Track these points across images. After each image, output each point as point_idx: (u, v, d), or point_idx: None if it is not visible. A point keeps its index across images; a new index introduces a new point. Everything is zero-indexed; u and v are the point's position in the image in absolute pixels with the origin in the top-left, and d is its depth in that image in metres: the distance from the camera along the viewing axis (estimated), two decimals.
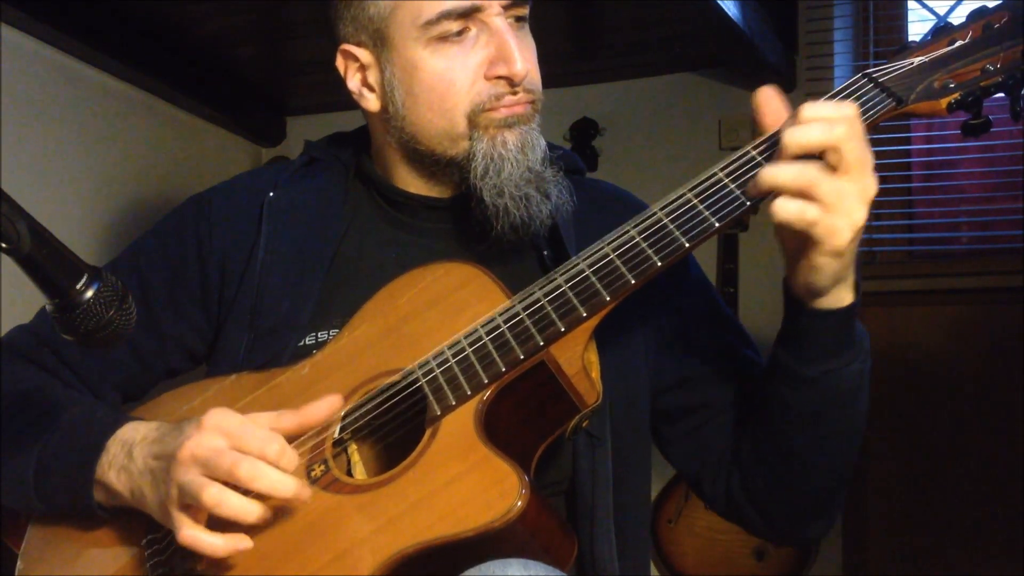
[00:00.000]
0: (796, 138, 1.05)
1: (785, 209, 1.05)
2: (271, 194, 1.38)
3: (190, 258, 1.38)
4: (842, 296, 1.14)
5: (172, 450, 1.10)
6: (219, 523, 1.09)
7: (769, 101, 1.13)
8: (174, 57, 3.27)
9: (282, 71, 3.55)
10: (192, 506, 1.09)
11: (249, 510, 1.08)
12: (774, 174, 1.05)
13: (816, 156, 1.05)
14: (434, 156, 1.31)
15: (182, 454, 1.09)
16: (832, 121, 1.04)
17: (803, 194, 1.04)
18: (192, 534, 1.08)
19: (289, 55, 3.40)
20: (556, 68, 3.39)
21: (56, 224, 1.01)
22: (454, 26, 1.25)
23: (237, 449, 1.08)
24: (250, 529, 1.10)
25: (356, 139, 1.45)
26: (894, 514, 3.09)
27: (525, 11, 1.30)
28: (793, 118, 1.08)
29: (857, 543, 3.11)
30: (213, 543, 1.09)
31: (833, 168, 1.04)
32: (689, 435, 1.34)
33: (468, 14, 1.25)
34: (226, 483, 1.07)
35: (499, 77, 1.26)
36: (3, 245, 0.90)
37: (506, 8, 1.27)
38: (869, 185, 1.05)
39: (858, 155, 1.04)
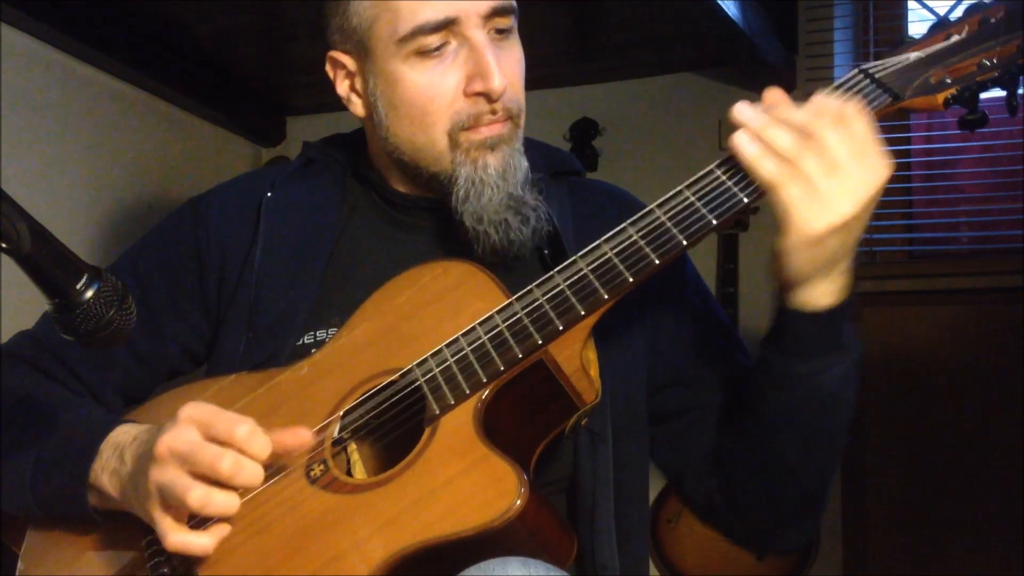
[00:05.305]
0: (795, 116, 1.06)
1: (760, 163, 1.06)
2: (269, 194, 1.38)
3: (188, 260, 1.38)
4: (819, 295, 1.11)
5: (150, 448, 1.10)
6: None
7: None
8: (174, 57, 3.27)
9: (282, 71, 3.55)
10: (173, 506, 1.09)
11: (231, 504, 1.08)
12: (772, 133, 1.06)
13: None
14: (417, 169, 1.31)
15: (159, 449, 1.08)
16: (833, 114, 1.05)
17: (789, 162, 1.04)
18: (182, 539, 1.08)
19: (289, 55, 3.40)
20: (556, 68, 3.40)
21: (56, 224, 1.01)
22: (431, 40, 1.24)
23: (209, 438, 1.08)
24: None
25: (354, 140, 1.45)
26: (894, 514, 3.09)
27: (508, 22, 1.27)
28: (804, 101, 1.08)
29: (857, 543, 3.11)
30: (203, 543, 1.09)
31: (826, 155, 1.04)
32: (676, 437, 1.34)
33: (443, 27, 1.23)
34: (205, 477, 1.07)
35: (478, 94, 1.25)
36: (3, 245, 0.90)
37: (486, 19, 1.25)
38: (864, 183, 1.04)
39: (845, 151, 1.04)
